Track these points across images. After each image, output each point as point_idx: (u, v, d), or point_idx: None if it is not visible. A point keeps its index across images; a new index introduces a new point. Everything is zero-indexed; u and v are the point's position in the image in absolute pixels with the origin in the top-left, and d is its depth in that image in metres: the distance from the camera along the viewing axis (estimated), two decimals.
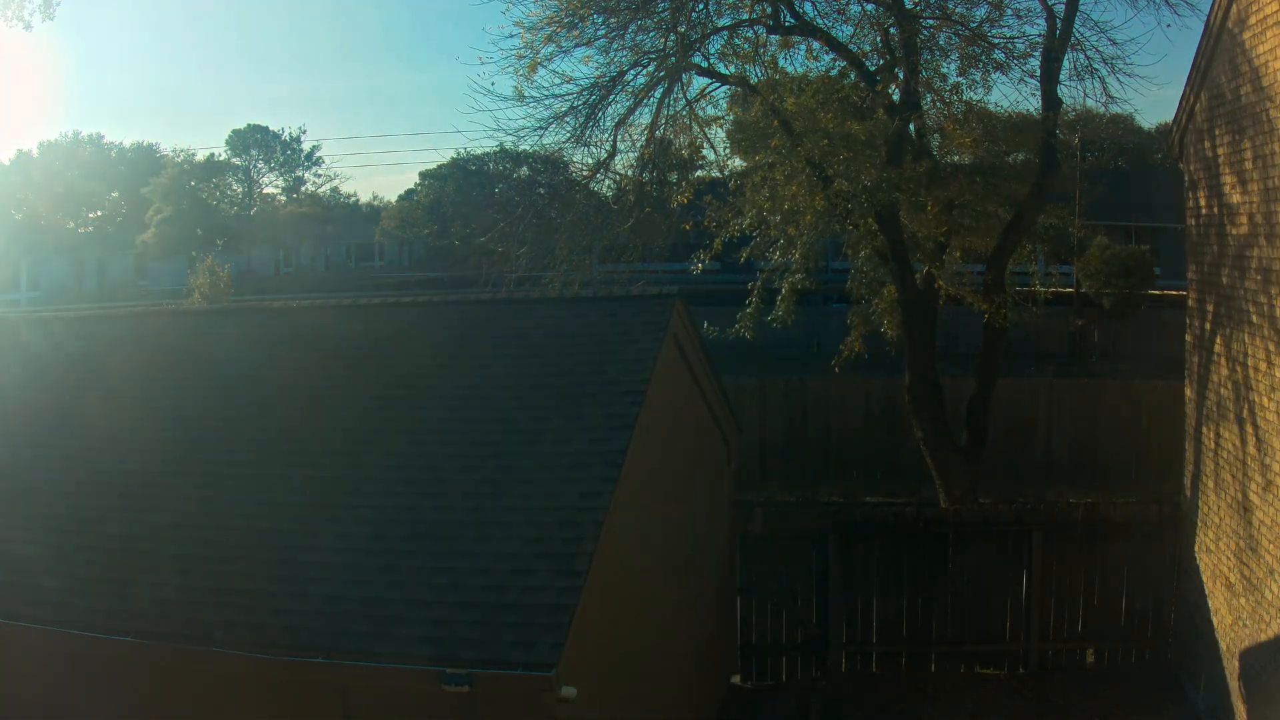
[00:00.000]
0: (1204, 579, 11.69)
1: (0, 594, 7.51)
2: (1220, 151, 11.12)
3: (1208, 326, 11.78)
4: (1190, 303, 12.60)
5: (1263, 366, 9.80)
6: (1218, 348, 11.36)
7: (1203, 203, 11.93)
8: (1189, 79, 11.95)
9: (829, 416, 20.85)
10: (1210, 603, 11.42)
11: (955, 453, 15.22)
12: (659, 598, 9.53)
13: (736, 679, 13.23)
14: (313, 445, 8.40)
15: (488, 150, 63.33)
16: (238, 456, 8.43)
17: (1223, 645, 10.94)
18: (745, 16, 14.53)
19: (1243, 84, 10.20)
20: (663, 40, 13.98)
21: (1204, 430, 11.89)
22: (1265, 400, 9.72)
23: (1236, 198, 10.61)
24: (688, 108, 14.74)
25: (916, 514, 13.95)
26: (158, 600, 7.15)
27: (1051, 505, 15.38)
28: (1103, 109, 15.00)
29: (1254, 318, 10.06)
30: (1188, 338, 12.70)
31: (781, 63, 15.73)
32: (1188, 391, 12.68)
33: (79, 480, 8.51)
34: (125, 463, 8.58)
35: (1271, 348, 9.56)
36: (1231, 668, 10.63)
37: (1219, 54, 10.98)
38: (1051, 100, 13.96)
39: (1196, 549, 12.04)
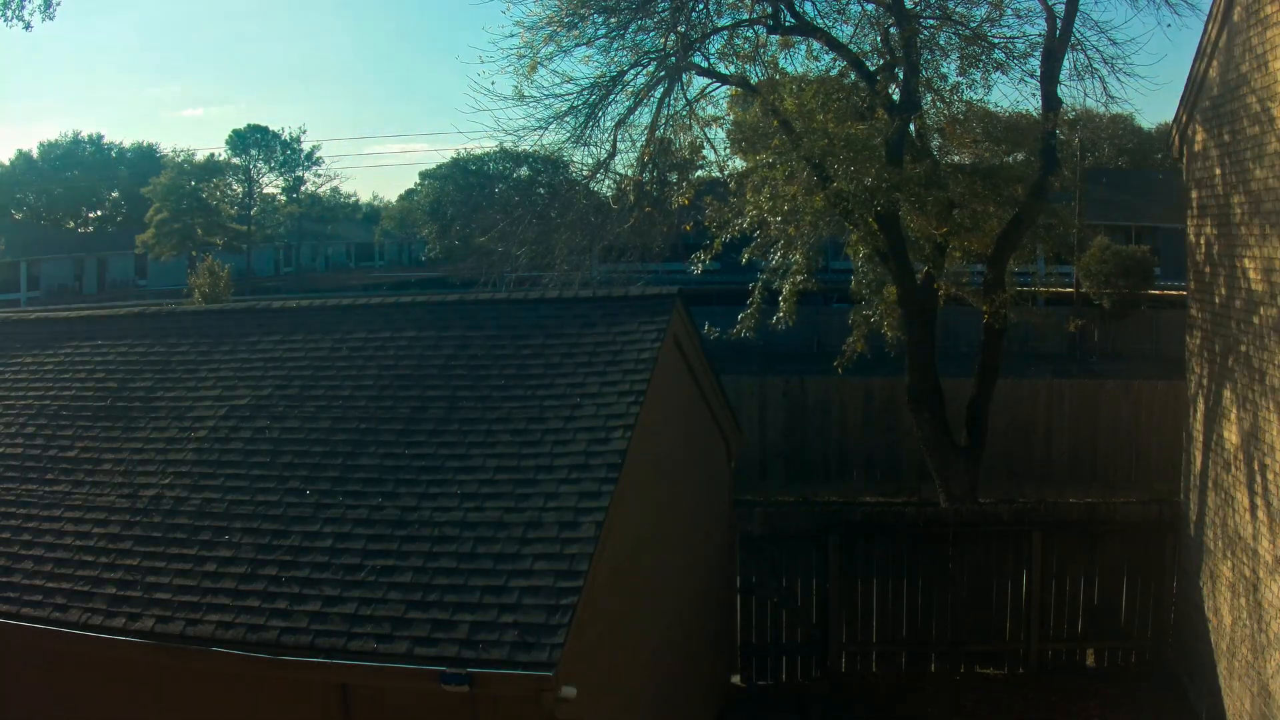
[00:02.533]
0: (1204, 579, 11.69)
1: (0, 594, 7.51)
2: (1220, 152, 11.12)
3: (1208, 327, 11.79)
4: (1190, 303, 12.61)
5: (1264, 368, 9.79)
6: (1218, 349, 11.36)
7: (1202, 203, 11.93)
8: (1189, 79, 11.96)
9: (829, 416, 20.85)
10: (1210, 602, 11.43)
11: (955, 453, 15.21)
12: (659, 598, 9.53)
13: (736, 679, 13.23)
14: (312, 446, 8.39)
15: (488, 150, 63.31)
16: (236, 457, 8.42)
17: (1222, 645, 10.94)
18: (745, 16, 14.54)
19: (1243, 84, 10.20)
20: (663, 40, 13.99)
21: (1204, 430, 11.89)
22: (1265, 401, 9.72)
23: (1236, 198, 10.61)
24: (688, 108, 14.75)
25: (916, 514, 13.95)
26: (158, 600, 7.14)
27: (1051, 505, 15.38)
28: (1103, 109, 15.06)
29: (1255, 320, 10.06)
30: (1188, 338, 12.71)
31: (781, 63, 15.76)
32: (1188, 391, 12.69)
33: (77, 480, 8.51)
34: (124, 463, 8.58)
35: (1274, 349, 9.56)
36: (1231, 667, 10.64)
37: (1219, 53, 10.99)
38: (1051, 100, 13.95)
39: (1196, 549, 12.05)
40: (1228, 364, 10.98)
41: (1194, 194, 12.25)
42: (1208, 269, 11.77)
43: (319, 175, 73.03)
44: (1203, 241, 11.97)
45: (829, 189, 13.77)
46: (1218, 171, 11.25)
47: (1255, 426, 10.01)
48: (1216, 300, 11.41)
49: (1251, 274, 10.14)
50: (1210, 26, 11.11)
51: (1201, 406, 12.02)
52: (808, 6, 14.70)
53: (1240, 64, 10.28)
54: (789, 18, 14.21)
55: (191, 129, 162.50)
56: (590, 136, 14.39)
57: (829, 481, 20.54)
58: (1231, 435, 10.81)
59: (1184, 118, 12.39)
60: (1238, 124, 10.44)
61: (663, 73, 13.95)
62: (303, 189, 71.75)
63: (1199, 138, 11.96)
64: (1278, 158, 9.31)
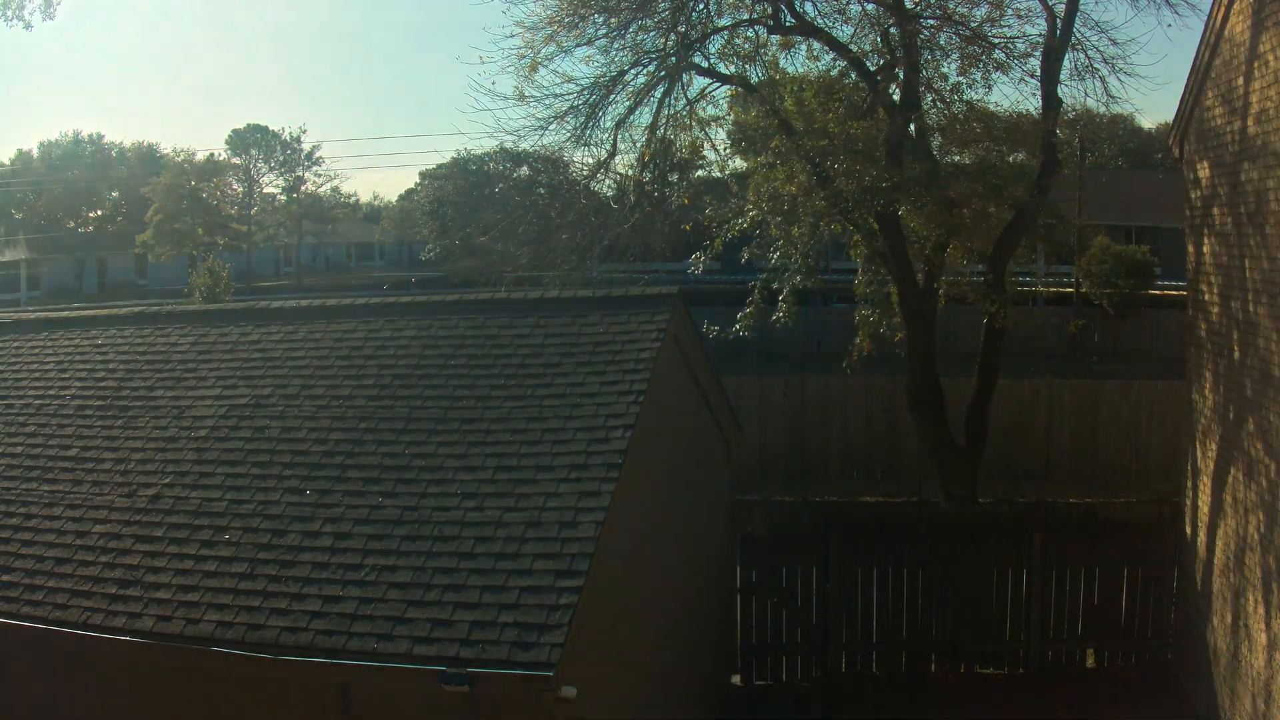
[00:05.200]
0: (1204, 578, 11.68)
1: (0, 594, 7.50)
2: (1220, 153, 11.12)
3: (1209, 325, 11.78)
4: (1190, 300, 12.59)
5: (1264, 369, 9.79)
6: (1218, 349, 11.36)
7: (1202, 202, 11.92)
8: (1189, 78, 11.95)
9: (829, 416, 20.84)
10: (1210, 602, 11.42)
11: (955, 453, 15.20)
12: (659, 597, 9.53)
13: (736, 679, 13.23)
14: (312, 445, 8.39)
15: (488, 150, 63.20)
16: (236, 456, 8.42)
17: (1222, 645, 10.94)
18: (745, 16, 14.53)
19: (1243, 85, 10.20)
20: (663, 40, 13.98)
21: (1205, 430, 11.88)
22: (1265, 401, 9.71)
23: (1236, 200, 10.60)
24: (688, 108, 14.74)
25: (916, 514, 13.96)
26: (157, 600, 7.14)
27: (1051, 505, 15.37)
28: (1103, 109, 15.00)
29: (1257, 317, 10.06)
30: (1188, 337, 12.70)
31: (782, 63, 15.75)
32: (1188, 391, 12.68)
33: (77, 479, 8.51)
34: (124, 464, 8.58)
35: (1275, 348, 9.55)
36: (1231, 667, 10.63)
37: (1219, 54, 10.98)
38: (1052, 100, 13.94)
39: (1196, 549, 12.04)
40: (1227, 365, 10.97)
41: (1193, 195, 12.24)
42: (1207, 270, 11.76)
43: (319, 175, 72.54)
44: (1202, 243, 11.96)
45: (829, 189, 13.77)
46: (1218, 173, 11.25)
47: (1255, 426, 10.00)
48: (1216, 302, 11.40)
49: (1250, 275, 10.14)
50: (1210, 27, 11.11)
51: (1201, 407, 12.01)
52: (808, 6, 14.68)
53: (1240, 65, 10.28)
54: (789, 18, 14.20)
55: (191, 129, 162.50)
56: (590, 136, 14.40)
57: (829, 481, 20.51)
58: (1231, 436, 10.81)
59: (1184, 119, 12.38)
60: (1238, 125, 10.43)
61: (663, 73, 13.95)
62: (303, 189, 71.51)
63: (1199, 139, 11.95)
64: (1277, 160, 9.30)
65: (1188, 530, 12.43)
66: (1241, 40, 10.22)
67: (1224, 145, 10.98)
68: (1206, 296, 11.81)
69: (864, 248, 15.60)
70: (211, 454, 8.49)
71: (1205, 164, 11.75)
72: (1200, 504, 11.92)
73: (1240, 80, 10.29)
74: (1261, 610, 9.70)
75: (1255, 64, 9.82)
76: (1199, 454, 12.04)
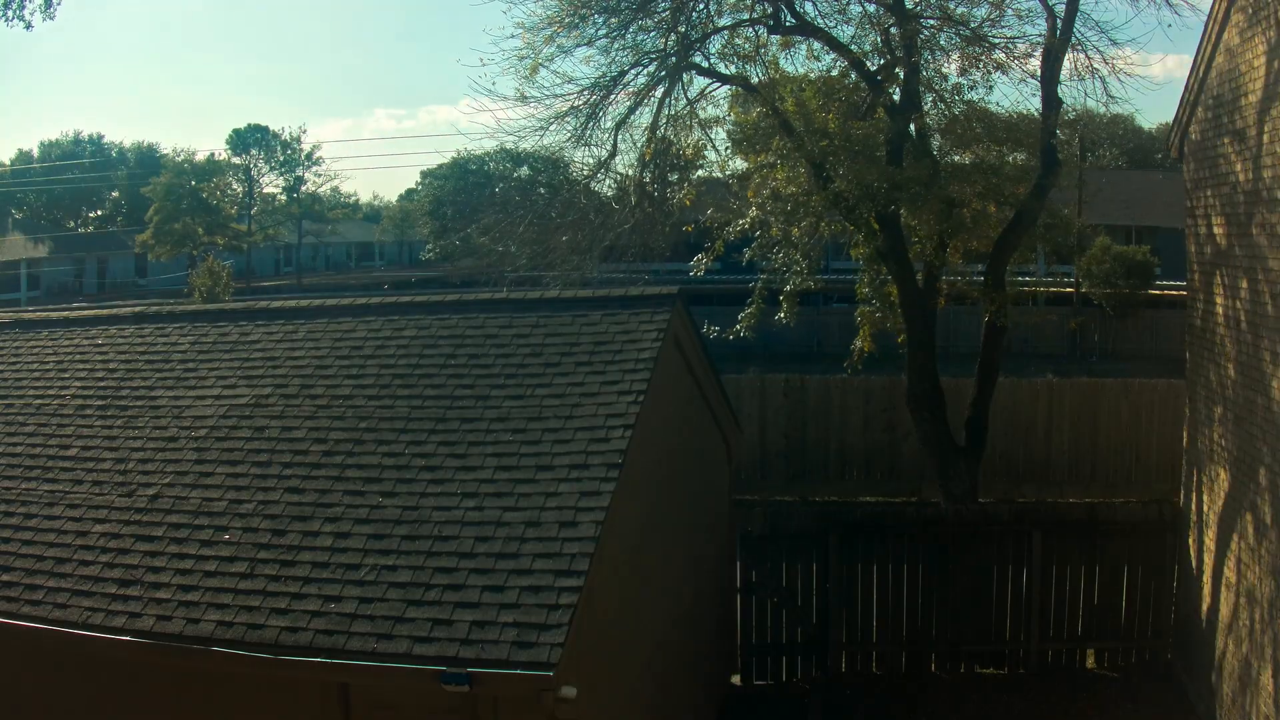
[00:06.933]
0: (1204, 579, 11.68)
1: (0, 594, 7.50)
2: (1220, 154, 11.11)
3: (1208, 328, 11.78)
4: (1190, 304, 12.60)
5: (1266, 368, 9.79)
6: (1218, 349, 11.36)
7: (1202, 203, 11.93)
8: (1189, 78, 11.96)
9: (829, 416, 20.85)
10: (1210, 602, 11.42)
11: (955, 453, 15.20)
12: (659, 597, 9.53)
13: (736, 679, 13.23)
14: (312, 445, 8.39)
15: (488, 150, 63.28)
16: (236, 455, 8.42)
17: (1221, 645, 10.94)
18: (746, 16, 14.53)
19: (1243, 85, 10.20)
20: (663, 40, 13.98)
21: (1204, 430, 11.89)
22: (1265, 401, 9.71)
23: (1236, 200, 10.60)
24: (688, 108, 14.74)
25: (916, 514, 13.94)
26: (157, 600, 7.14)
27: (1051, 505, 15.38)
28: (1103, 109, 14.97)
29: (1256, 315, 10.06)
30: (1187, 338, 12.70)
31: (782, 63, 15.75)
32: (1188, 391, 12.68)
33: (77, 479, 8.51)
34: (124, 464, 8.57)
35: (1274, 350, 9.55)
36: (1230, 667, 10.63)
37: (1219, 54, 10.98)
38: (1052, 100, 13.94)
39: (1196, 549, 12.04)
40: (1227, 365, 10.97)
41: (1194, 195, 12.24)
42: (1208, 270, 11.76)
43: (319, 175, 72.57)
44: (1202, 243, 11.96)
45: (829, 189, 13.76)
46: (1218, 173, 11.24)
47: (1255, 427, 10.00)
48: (1216, 302, 11.40)
49: (1251, 275, 10.14)
50: (1210, 27, 11.11)
51: (1201, 407, 12.01)
52: (808, 6, 14.68)
53: (1240, 65, 10.27)
54: (789, 18, 14.20)
55: (191, 129, 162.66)
56: (591, 137, 14.40)
57: (829, 481, 20.53)
58: (1231, 435, 10.81)
59: (1184, 118, 12.39)
60: (1238, 125, 10.43)
61: (663, 73, 13.95)
62: (303, 189, 71.49)
63: (1199, 139, 11.95)
64: (1277, 160, 9.30)
65: (1189, 533, 12.44)
66: (1241, 41, 10.22)
67: (1224, 146, 10.97)
68: (1206, 297, 11.80)
69: (864, 248, 15.59)
70: (211, 454, 8.49)
71: (1205, 165, 11.74)
72: (1204, 505, 11.93)
73: (1240, 81, 10.29)
74: (1261, 609, 9.69)
75: (1254, 65, 9.81)
76: (1198, 452, 12.05)
